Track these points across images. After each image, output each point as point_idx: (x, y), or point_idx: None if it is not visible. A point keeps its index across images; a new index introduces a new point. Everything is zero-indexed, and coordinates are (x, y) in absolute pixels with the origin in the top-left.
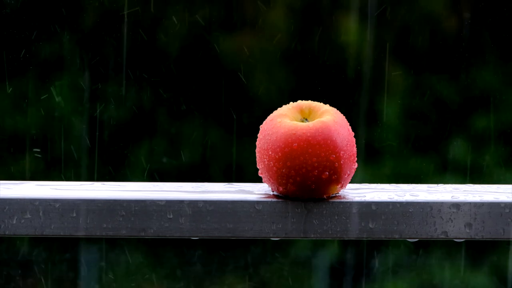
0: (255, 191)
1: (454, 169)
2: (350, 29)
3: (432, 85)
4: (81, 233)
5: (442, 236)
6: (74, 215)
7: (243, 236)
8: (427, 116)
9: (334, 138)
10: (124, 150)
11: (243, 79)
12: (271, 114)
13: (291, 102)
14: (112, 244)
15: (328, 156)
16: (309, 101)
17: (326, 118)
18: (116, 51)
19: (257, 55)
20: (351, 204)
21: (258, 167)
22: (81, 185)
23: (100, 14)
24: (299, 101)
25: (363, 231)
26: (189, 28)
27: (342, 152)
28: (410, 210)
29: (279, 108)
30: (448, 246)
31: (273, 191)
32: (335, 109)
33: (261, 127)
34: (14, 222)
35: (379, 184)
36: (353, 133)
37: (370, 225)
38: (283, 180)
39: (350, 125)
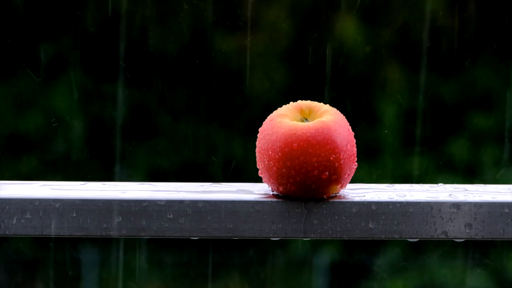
0: (255, 191)
1: (454, 169)
2: (350, 28)
3: (432, 84)
4: (81, 233)
5: (442, 236)
6: (74, 215)
7: (243, 236)
8: (427, 116)
9: (334, 138)
10: (124, 150)
11: (243, 78)
12: (271, 114)
13: (291, 102)
14: (112, 244)
15: (328, 156)
16: (309, 101)
17: (326, 118)
18: (116, 51)
19: (257, 55)
20: (351, 204)
21: (258, 167)
22: (81, 185)
23: (100, 14)
24: (299, 101)
25: (363, 231)
26: (189, 27)
27: (342, 152)
28: (410, 210)
29: (279, 108)
30: (448, 246)
31: (273, 191)
32: (335, 109)
33: (261, 127)
34: (14, 222)
35: (379, 184)
36: (353, 133)
37: (370, 225)
38: (283, 180)
39: (350, 125)
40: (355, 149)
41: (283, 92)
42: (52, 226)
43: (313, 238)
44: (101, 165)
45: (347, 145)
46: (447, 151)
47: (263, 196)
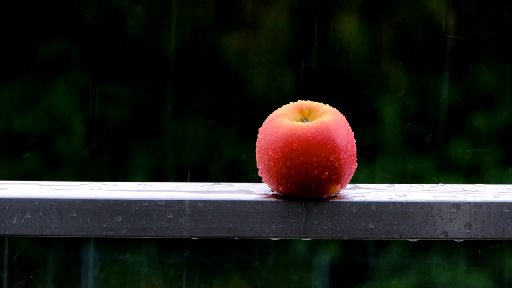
0: (255, 191)
1: (454, 169)
2: (350, 29)
3: (432, 84)
4: (81, 233)
5: (442, 236)
6: (74, 215)
7: (243, 236)
8: (427, 116)
9: (334, 138)
10: (125, 150)
11: (243, 79)
12: (271, 114)
13: (291, 102)
14: (113, 244)
15: (328, 156)
16: (309, 101)
17: (326, 118)
18: (117, 51)
19: (257, 55)
20: (351, 204)
21: (258, 167)
22: (80, 185)
23: (100, 14)
24: (299, 101)
25: (363, 231)
26: (190, 27)
27: (342, 152)
28: (410, 210)
29: (279, 108)
30: (448, 246)
31: (273, 191)
32: (335, 109)
33: (261, 127)
34: (14, 222)
35: (379, 184)
36: (353, 133)
37: (370, 225)
38: (283, 180)
39: (350, 125)
40: (355, 149)
41: (284, 92)
42: (52, 226)
43: (313, 238)
44: (102, 165)
45: (347, 145)
46: (447, 151)
47: (263, 196)
